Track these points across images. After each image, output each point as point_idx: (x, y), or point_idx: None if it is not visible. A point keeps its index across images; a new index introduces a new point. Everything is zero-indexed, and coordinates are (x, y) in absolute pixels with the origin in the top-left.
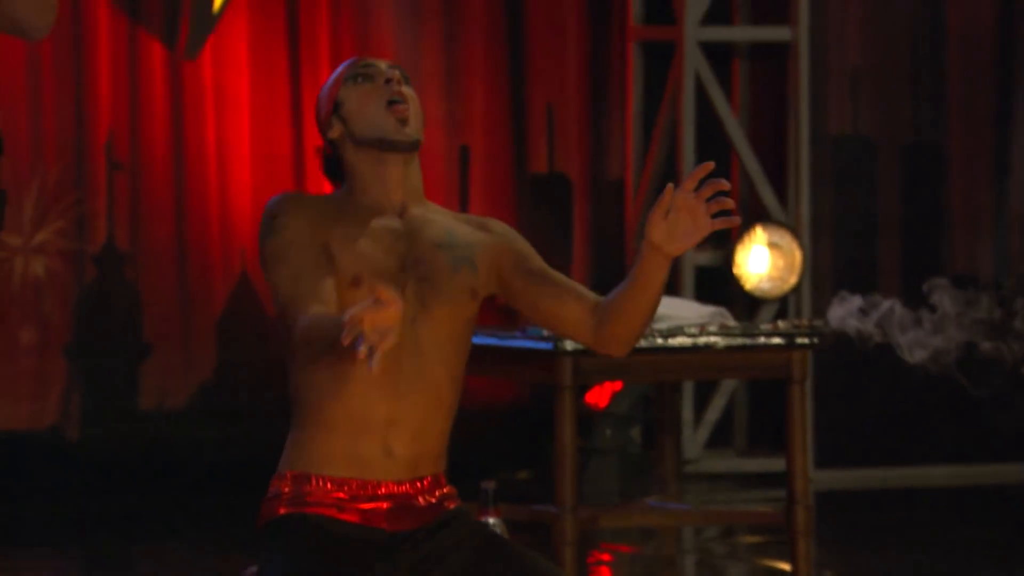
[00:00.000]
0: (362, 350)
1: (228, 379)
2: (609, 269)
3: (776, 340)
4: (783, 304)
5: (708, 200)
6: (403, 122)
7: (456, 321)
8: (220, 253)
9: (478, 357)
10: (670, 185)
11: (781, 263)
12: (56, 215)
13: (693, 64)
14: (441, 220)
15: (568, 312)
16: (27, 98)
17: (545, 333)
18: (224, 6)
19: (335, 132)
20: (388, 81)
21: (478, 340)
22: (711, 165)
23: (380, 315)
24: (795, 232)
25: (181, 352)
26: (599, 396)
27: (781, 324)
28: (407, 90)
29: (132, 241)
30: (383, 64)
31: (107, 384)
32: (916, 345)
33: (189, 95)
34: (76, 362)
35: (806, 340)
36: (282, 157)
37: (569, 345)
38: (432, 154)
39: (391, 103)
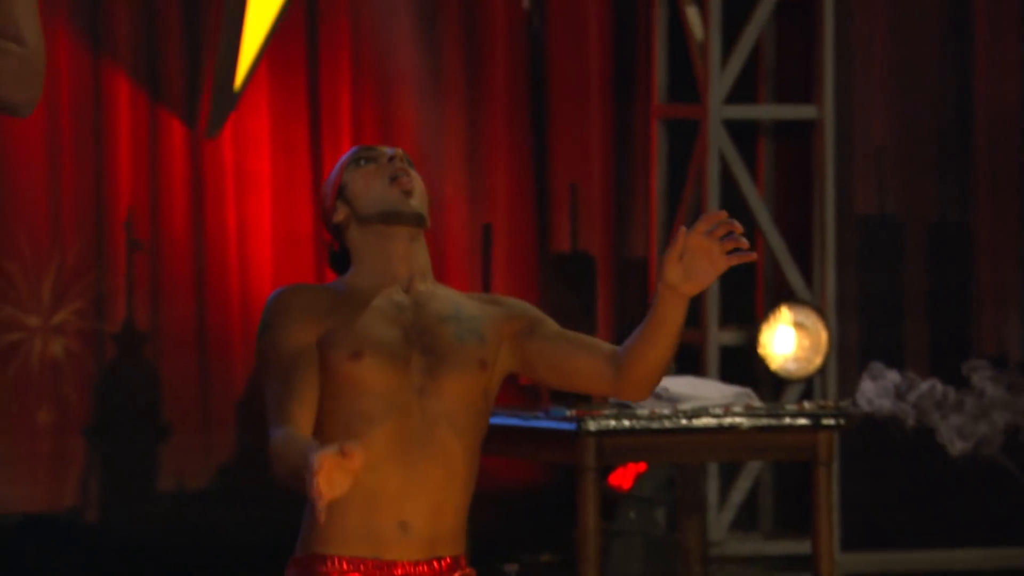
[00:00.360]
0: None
1: (248, 461)
2: None
3: (802, 421)
4: (809, 385)
5: (722, 239)
6: (407, 194)
7: (467, 393)
8: (240, 333)
9: (500, 437)
10: (683, 228)
11: (807, 343)
12: (75, 295)
13: (717, 142)
14: (448, 295)
15: (584, 364)
16: (46, 176)
17: (568, 413)
18: (245, 84)
19: (340, 215)
20: (391, 159)
21: (501, 420)
22: (723, 213)
23: (339, 467)
24: (821, 312)
25: (201, 433)
26: (623, 478)
27: (807, 405)
28: (411, 170)
29: (152, 321)
30: (386, 148)
31: (126, 465)
32: (958, 434)
33: (209, 173)
34: (95, 443)
35: (832, 421)
36: (303, 236)
37: (593, 425)
38: (455, 232)
39: (394, 178)
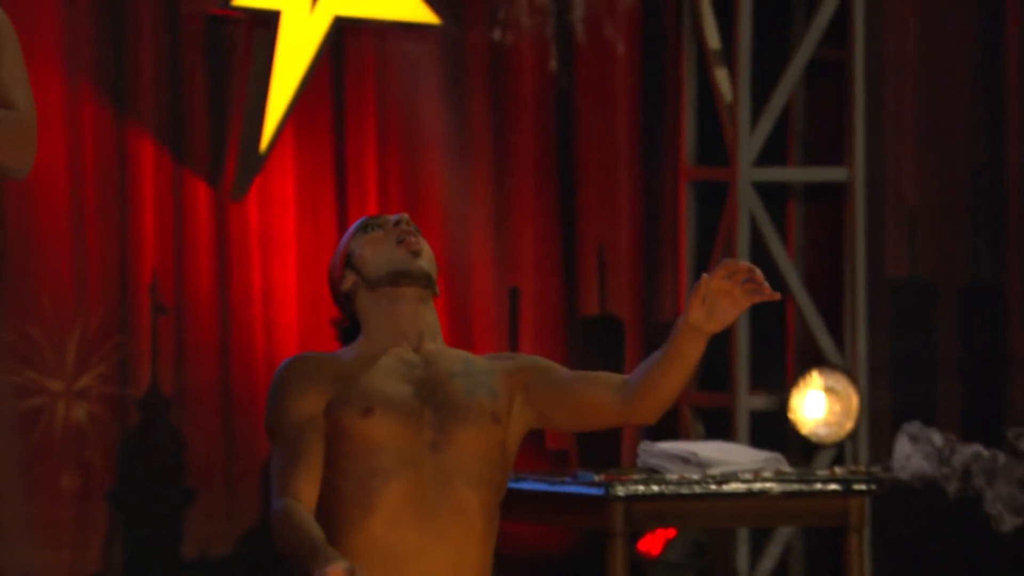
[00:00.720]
0: None
1: None
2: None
3: (833, 486)
4: (840, 450)
5: (744, 282)
6: (415, 255)
7: (480, 446)
8: (265, 397)
9: (528, 503)
10: (705, 275)
11: (838, 408)
12: (99, 359)
13: (747, 205)
14: (457, 353)
15: (592, 396)
16: (70, 238)
17: (596, 478)
18: (271, 146)
19: (348, 283)
20: (397, 224)
21: (528, 486)
22: (744, 264)
23: None
24: (852, 376)
25: (225, 498)
26: (652, 544)
27: (838, 470)
28: (418, 235)
29: (176, 385)
30: (391, 216)
31: (150, 531)
32: (1007, 505)
33: (235, 236)
34: (118, 508)
35: (864, 486)
36: (329, 298)
37: (621, 491)
38: (481, 295)
39: (401, 240)
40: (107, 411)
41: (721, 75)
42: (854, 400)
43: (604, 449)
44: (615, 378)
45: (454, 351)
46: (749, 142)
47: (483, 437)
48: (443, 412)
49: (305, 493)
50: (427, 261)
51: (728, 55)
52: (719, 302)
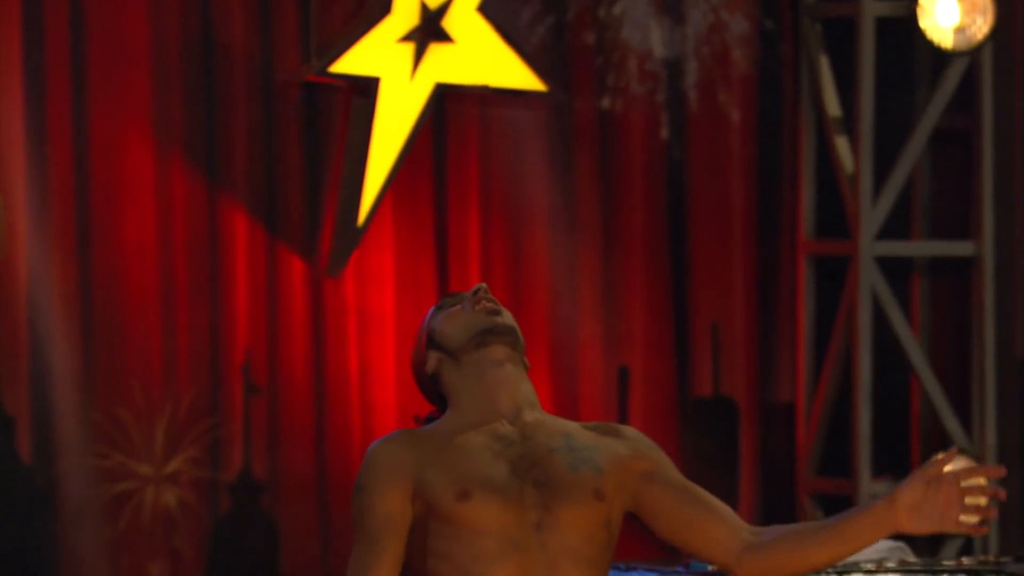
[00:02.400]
0: None
1: None
2: (778, 502)
3: None
4: (968, 540)
5: (967, 498)
6: (494, 312)
7: (586, 525)
8: None
9: None
10: (955, 448)
11: None
12: (189, 442)
13: (869, 280)
14: (556, 424)
15: (714, 529)
16: (160, 317)
17: (710, 568)
18: (369, 220)
19: (432, 362)
20: (475, 293)
21: None
22: (1003, 470)
23: None
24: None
25: None
26: None
27: (966, 560)
28: (498, 304)
29: (269, 469)
30: (469, 290)
31: None
32: None
33: (330, 313)
34: None
35: None
36: None
37: None
38: (590, 375)
39: (478, 303)
40: (198, 497)
41: (841, 144)
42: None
43: None
44: (739, 520)
45: (552, 421)
46: (872, 214)
47: (589, 515)
48: (545, 490)
49: None
50: (509, 319)
51: (849, 123)
52: (938, 498)
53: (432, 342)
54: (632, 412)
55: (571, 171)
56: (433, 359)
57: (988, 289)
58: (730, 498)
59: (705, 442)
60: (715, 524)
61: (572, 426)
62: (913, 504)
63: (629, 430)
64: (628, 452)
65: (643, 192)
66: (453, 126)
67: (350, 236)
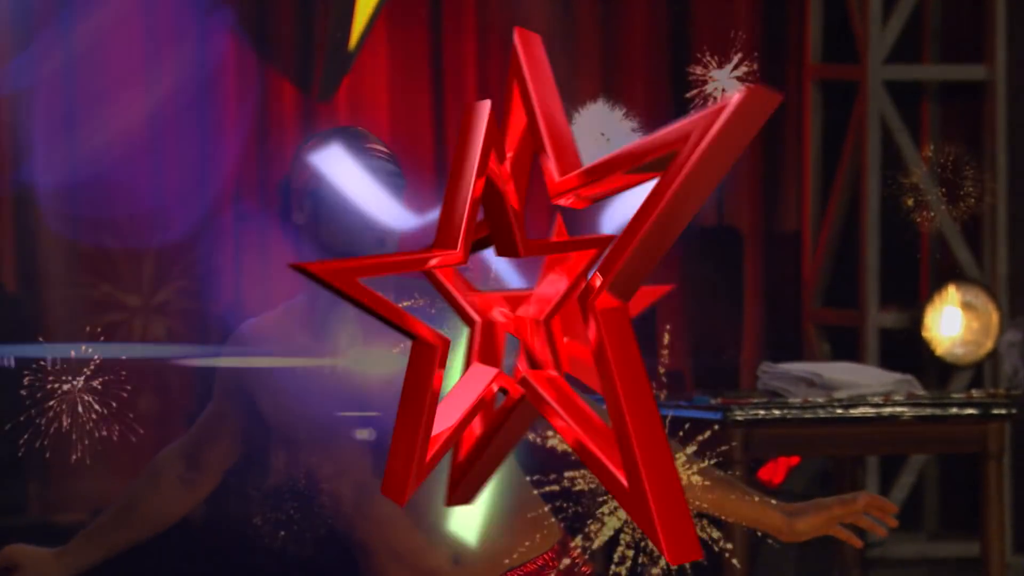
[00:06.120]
0: None
1: None
2: (783, 330)
3: (970, 411)
4: (978, 371)
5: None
6: None
7: None
8: None
9: None
10: (857, 496)
11: (976, 325)
12: (179, 272)
13: (878, 106)
14: None
15: None
16: (148, 145)
17: (713, 402)
18: (361, 43)
19: None
20: None
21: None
22: (893, 509)
23: None
24: (991, 291)
25: None
26: (773, 472)
27: (976, 393)
28: None
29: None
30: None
31: None
32: None
33: None
34: None
35: (1004, 410)
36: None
37: (740, 415)
38: None
39: None
40: (187, 328)
41: None
42: (994, 317)
43: (722, 371)
44: None
45: None
46: (880, 37)
47: None
48: None
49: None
50: None
51: None
52: (826, 527)
53: None
54: None
55: None
56: None
57: (1000, 114)
58: (735, 329)
59: (709, 272)
60: None
61: None
62: (804, 532)
63: None
64: None
65: (642, 11)
66: None
67: (342, 60)
